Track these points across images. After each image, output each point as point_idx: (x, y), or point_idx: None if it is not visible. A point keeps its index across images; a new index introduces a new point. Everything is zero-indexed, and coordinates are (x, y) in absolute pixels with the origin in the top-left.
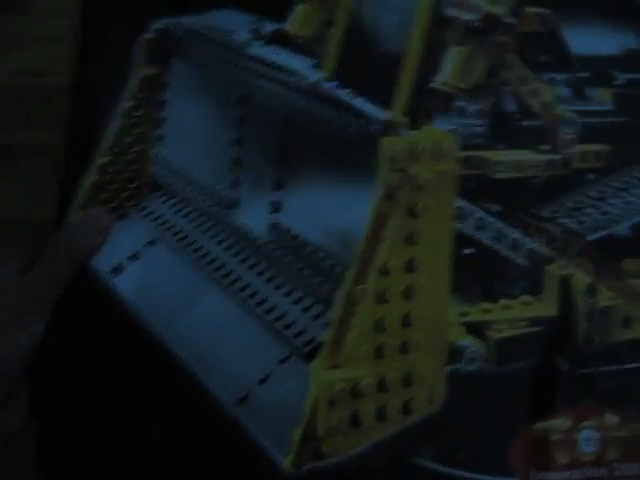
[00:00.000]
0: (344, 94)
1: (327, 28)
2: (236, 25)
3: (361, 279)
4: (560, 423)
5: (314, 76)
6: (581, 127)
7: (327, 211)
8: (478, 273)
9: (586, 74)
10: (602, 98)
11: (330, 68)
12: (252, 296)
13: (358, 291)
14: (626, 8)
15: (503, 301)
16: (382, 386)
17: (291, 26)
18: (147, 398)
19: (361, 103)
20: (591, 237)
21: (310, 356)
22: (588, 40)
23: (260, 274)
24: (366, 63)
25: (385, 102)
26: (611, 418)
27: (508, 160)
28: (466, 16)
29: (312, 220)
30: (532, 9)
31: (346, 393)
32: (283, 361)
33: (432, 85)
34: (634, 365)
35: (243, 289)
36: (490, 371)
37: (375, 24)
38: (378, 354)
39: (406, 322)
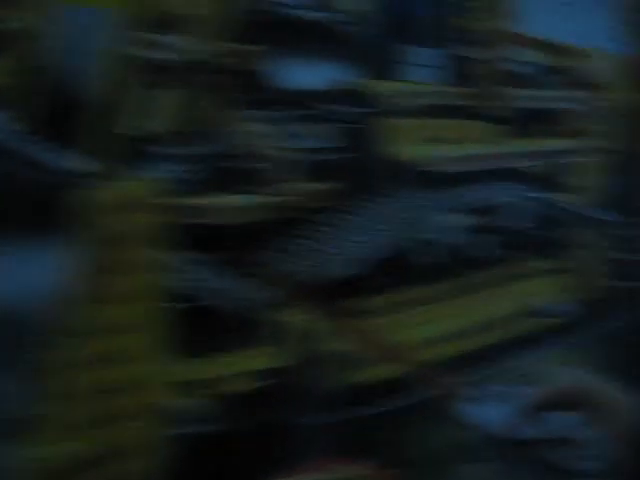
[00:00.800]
0: (30, 148)
1: (24, 78)
2: None
3: (59, 346)
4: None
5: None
6: (299, 166)
7: (26, 275)
8: (199, 328)
9: (302, 110)
10: (319, 134)
11: (31, 119)
12: None
13: (54, 360)
14: (340, 44)
15: (227, 356)
16: (87, 463)
17: None
18: None
19: (48, 155)
20: (315, 279)
21: (7, 435)
22: (304, 76)
23: None
24: (68, 112)
25: (87, 151)
26: (356, 469)
27: (222, 206)
28: (169, 57)
29: (12, 287)
30: (242, 46)
31: (48, 474)
32: None
33: (135, 131)
34: (371, 410)
35: None
36: (219, 431)
37: (73, 72)
38: (81, 427)
39: (111, 388)
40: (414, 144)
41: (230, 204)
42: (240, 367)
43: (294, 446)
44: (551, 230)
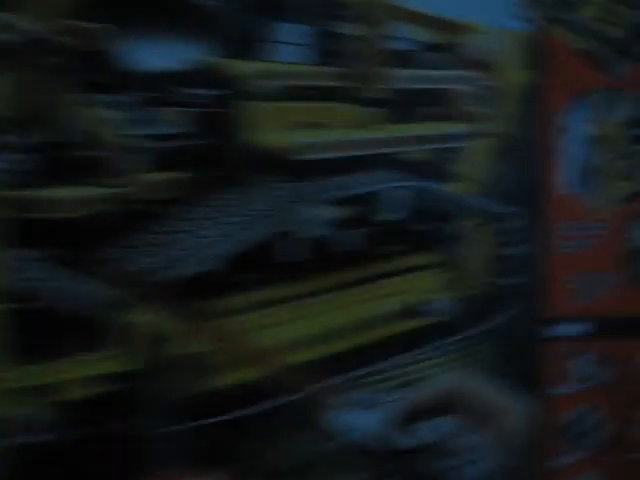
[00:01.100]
0: None
1: None
2: None
3: None
4: None
5: None
6: (147, 154)
7: None
8: (36, 331)
9: (152, 94)
10: (171, 119)
11: None
12: None
13: None
14: (194, 20)
15: (68, 360)
16: None
17: None
18: None
19: None
20: (166, 277)
21: None
22: (154, 56)
23: None
24: None
25: None
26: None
27: (62, 199)
28: (3, 36)
29: None
30: (85, 24)
31: None
32: None
33: None
34: (228, 418)
35: None
36: (59, 440)
37: None
38: None
39: None
40: (279, 129)
41: (71, 197)
42: (82, 372)
43: (143, 457)
44: (432, 222)
